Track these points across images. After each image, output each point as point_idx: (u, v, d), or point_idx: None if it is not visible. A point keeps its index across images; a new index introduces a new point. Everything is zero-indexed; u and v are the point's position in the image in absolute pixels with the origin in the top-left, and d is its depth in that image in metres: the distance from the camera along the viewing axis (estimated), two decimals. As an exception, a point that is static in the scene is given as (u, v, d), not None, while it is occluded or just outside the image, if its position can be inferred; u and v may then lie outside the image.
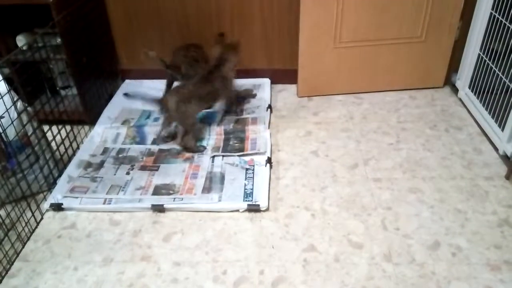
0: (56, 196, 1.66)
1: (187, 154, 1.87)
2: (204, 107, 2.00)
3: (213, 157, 1.85)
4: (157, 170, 1.79)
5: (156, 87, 2.42)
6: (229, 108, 2.13)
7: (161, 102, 1.84)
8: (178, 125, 1.92)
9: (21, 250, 1.49)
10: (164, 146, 1.93)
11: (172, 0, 2.24)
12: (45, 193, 1.71)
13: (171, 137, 1.96)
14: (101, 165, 1.84)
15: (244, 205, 1.58)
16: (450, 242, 1.43)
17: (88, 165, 1.84)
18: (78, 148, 1.95)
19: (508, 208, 1.55)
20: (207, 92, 1.89)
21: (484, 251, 1.40)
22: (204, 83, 1.88)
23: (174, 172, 1.77)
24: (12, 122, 1.52)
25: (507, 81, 1.76)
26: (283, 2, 2.21)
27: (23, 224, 1.53)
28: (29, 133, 1.62)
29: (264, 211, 1.58)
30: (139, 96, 1.96)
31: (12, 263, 1.44)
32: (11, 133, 1.53)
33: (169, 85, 2.28)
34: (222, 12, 2.26)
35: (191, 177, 1.74)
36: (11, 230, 1.49)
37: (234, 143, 1.93)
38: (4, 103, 1.48)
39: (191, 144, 1.87)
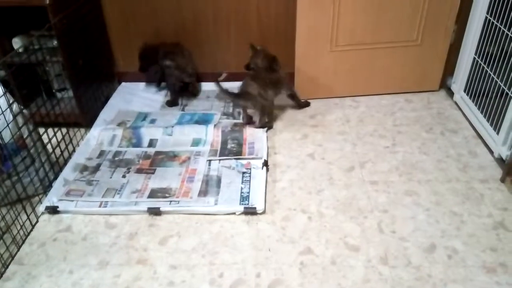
0: (51, 199, 1.65)
1: (183, 157, 1.87)
2: (276, 93, 2.09)
3: (210, 160, 1.85)
4: (153, 173, 1.79)
5: (154, 90, 2.43)
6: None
7: (240, 94, 2.00)
8: (256, 109, 2.06)
9: (16, 253, 1.48)
10: (161, 149, 1.93)
11: (169, 2, 2.24)
12: (40, 196, 1.70)
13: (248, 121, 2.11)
14: (97, 168, 1.83)
15: (241, 208, 1.58)
16: (446, 244, 1.44)
17: (84, 168, 1.83)
18: (74, 151, 1.94)
19: (503, 211, 1.56)
20: (276, 79, 2.05)
21: (480, 253, 1.40)
22: (270, 72, 2.03)
23: (170, 176, 1.77)
24: (7, 125, 1.51)
25: (502, 85, 1.78)
26: (280, 5, 2.21)
27: (18, 227, 1.53)
28: (25, 136, 1.62)
29: (260, 214, 1.58)
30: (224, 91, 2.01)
31: (7, 266, 1.43)
32: (7, 136, 1.52)
33: (159, 82, 2.40)
34: (219, 14, 2.27)
35: (187, 181, 1.73)
36: (6, 233, 1.48)
37: (232, 147, 1.93)
38: (-1, 105, 1.48)
39: (270, 123, 2.09)
